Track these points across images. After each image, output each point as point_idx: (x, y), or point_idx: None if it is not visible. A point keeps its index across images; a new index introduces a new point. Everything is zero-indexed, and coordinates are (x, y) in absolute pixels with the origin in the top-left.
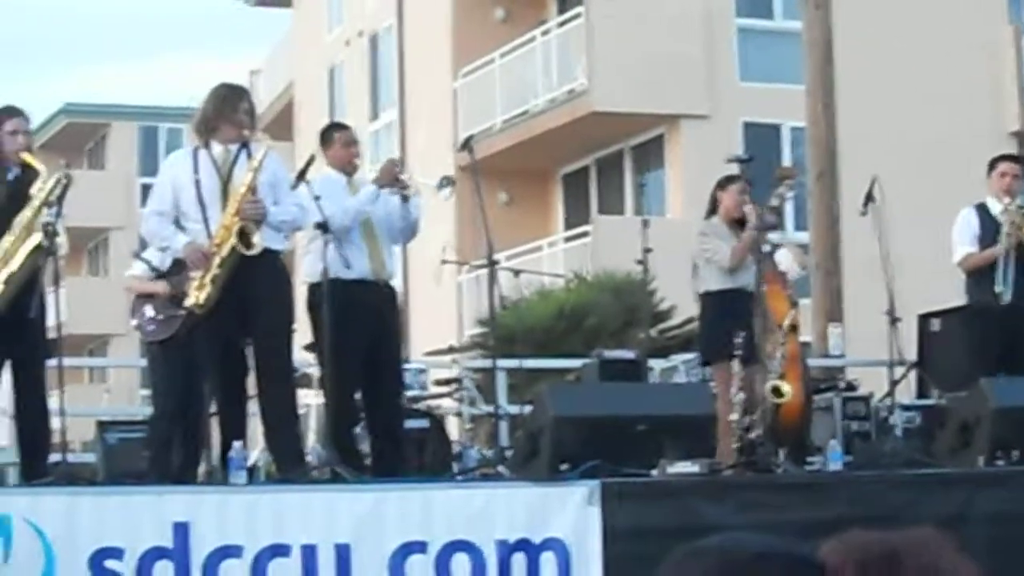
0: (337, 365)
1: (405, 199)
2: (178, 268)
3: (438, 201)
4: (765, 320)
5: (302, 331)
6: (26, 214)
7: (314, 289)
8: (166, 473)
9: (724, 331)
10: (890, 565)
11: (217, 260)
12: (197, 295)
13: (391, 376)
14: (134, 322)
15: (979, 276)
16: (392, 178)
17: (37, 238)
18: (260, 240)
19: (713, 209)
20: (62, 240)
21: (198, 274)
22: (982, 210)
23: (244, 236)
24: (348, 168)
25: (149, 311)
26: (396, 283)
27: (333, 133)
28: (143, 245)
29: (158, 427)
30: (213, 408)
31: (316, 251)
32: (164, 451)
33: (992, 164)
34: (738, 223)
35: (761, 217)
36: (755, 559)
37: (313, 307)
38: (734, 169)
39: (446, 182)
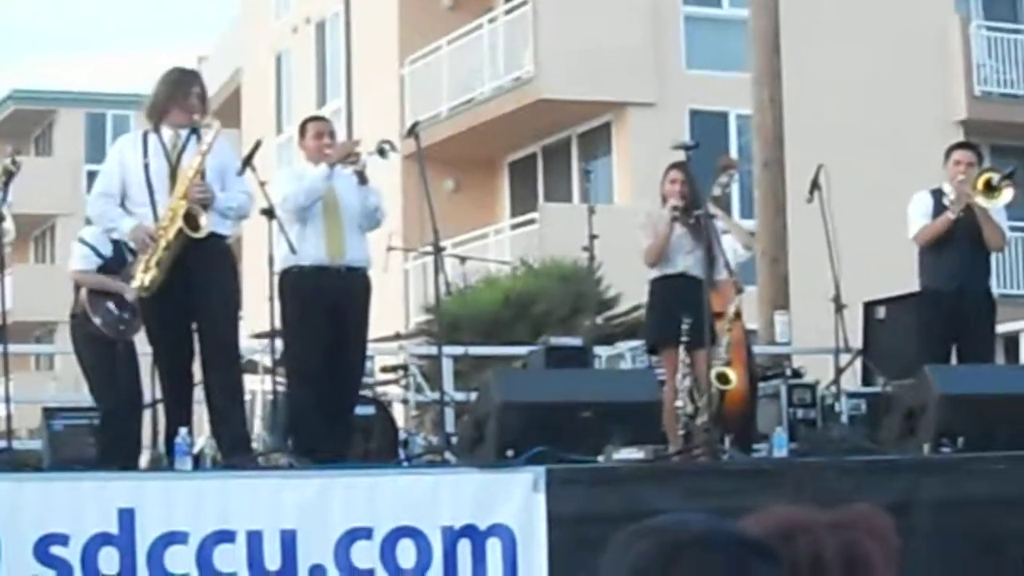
0: (294, 350)
1: (362, 180)
2: (123, 255)
3: (386, 178)
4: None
5: (255, 318)
6: None
7: (280, 276)
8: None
9: (667, 318)
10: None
11: (163, 243)
12: (143, 277)
13: (349, 365)
14: (98, 320)
15: (932, 261)
16: (343, 155)
17: None
18: (207, 223)
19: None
20: (9, 226)
21: (144, 257)
22: (937, 194)
23: (190, 219)
24: (319, 159)
25: (114, 309)
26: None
27: (307, 124)
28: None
29: (111, 424)
30: (159, 394)
31: (280, 238)
32: (116, 446)
33: (947, 152)
34: (681, 210)
35: (675, 208)
36: (698, 538)
37: (279, 294)
38: (681, 155)
39: (387, 147)
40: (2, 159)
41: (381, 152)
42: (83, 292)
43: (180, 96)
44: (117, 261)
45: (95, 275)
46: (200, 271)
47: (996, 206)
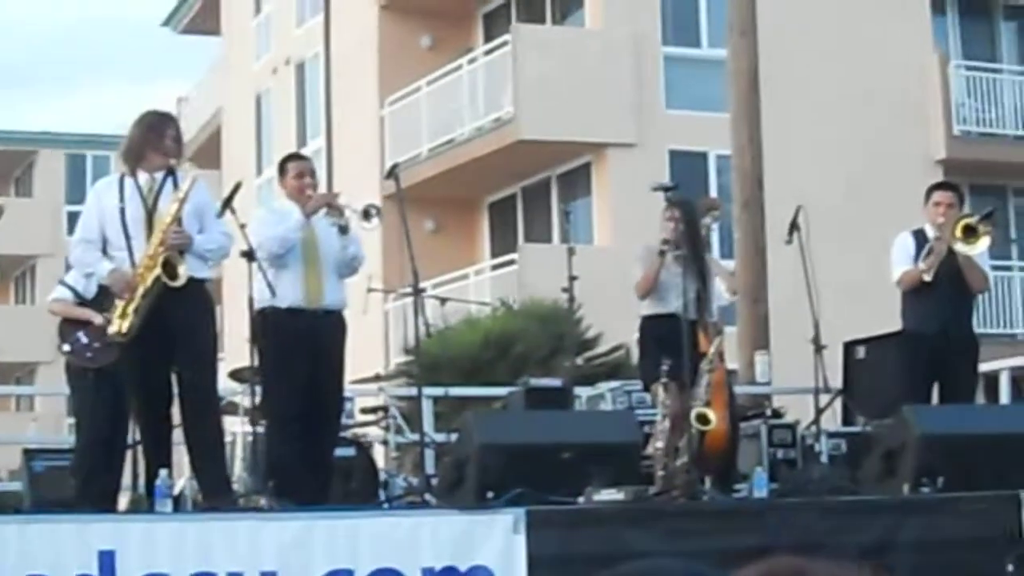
0: (272, 392)
1: (343, 231)
2: (107, 297)
3: (365, 229)
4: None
5: (235, 358)
6: None
7: (258, 315)
8: (93, 502)
9: (656, 357)
10: None
11: (141, 290)
12: (120, 323)
13: (327, 406)
14: (67, 347)
15: (915, 302)
16: (319, 208)
17: None
18: (185, 271)
19: None
20: None
21: (121, 303)
22: (919, 235)
23: (169, 267)
24: (300, 199)
25: (83, 338)
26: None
27: (287, 163)
28: (69, 271)
29: (85, 456)
30: (139, 436)
31: (259, 279)
32: (90, 481)
33: (928, 192)
34: (672, 245)
35: (665, 242)
36: None
37: (256, 335)
38: (679, 194)
39: (373, 211)
40: None
41: (366, 215)
42: (58, 323)
43: (155, 139)
44: (97, 303)
45: (66, 304)
46: (178, 315)
47: (975, 252)
